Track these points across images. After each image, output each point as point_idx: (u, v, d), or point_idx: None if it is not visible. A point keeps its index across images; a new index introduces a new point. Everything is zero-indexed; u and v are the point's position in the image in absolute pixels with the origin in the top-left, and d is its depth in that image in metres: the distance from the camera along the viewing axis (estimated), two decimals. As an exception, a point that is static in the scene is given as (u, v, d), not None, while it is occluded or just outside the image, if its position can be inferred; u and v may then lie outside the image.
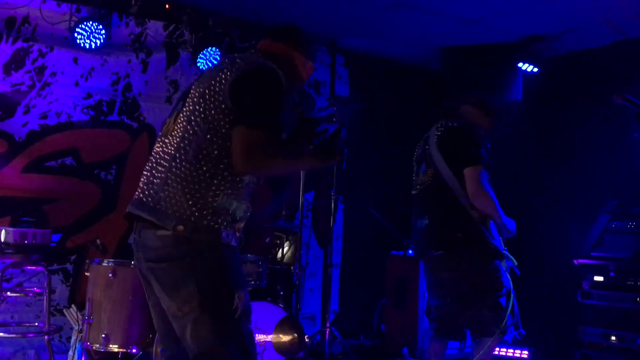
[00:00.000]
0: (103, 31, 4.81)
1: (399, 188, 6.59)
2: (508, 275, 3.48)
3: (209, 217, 2.18)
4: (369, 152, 6.31)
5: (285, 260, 4.89)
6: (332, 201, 5.05)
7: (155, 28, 5.27)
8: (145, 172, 2.33)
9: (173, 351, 2.41)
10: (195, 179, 2.18)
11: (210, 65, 5.27)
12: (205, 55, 5.22)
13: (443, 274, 3.56)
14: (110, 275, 3.77)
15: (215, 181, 2.19)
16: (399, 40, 5.92)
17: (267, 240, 4.93)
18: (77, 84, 4.98)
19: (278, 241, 4.98)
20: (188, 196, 2.17)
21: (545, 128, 5.82)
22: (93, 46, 4.82)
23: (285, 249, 4.94)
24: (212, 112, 2.21)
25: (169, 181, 2.20)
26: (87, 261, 3.99)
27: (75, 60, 4.96)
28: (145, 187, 2.28)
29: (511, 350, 5.07)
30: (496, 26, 5.32)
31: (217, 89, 2.23)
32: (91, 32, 4.79)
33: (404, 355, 5.23)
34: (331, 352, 5.03)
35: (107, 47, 4.93)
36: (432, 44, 5.94)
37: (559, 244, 5.24)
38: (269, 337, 3.66)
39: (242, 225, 2.34)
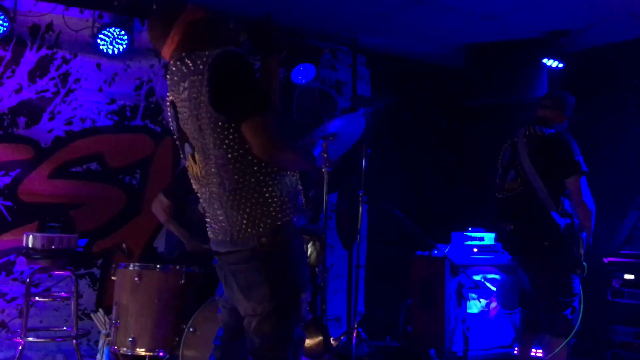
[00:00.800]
0: (125, 37, 4.86)
1: (423, 187, 6.58)
2: (579, 280, 3.79)
3: (279, 215, 2.27)
4: (392, 151, 6.27)
5: (310, 261, 4.87)
6: (356, 202, 5.03)
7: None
8: (207, 212, 2.42)
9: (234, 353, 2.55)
10: (251, 198, 2.25)
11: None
12: (227, 59, 5.23)
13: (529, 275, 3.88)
14: (136, 279, 3.78)
15: (262, 184, 2.26)
16: (421, 38, 5.87)
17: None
18: (100, 90, 5.03)
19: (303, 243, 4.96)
20: (253, 215, 2.26)
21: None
22: (116, 52, 4.87)
23: (310, 250, 4.92)
24: (215, 135, 2.23)
25: (230, 215, 2.29)
26: (113, 265, 4.01)
27: (98, 66, 5.01)
28: (215, 226, 2.38)
29: (540, 351, 4.99)
30: (519, 22, 5.25)
31: (201, 110, 2.23)
32: (114, 38, 4.84)
33: (431, 356, 5.17)
34: (358, 353, 5.00)
35: (129, 52, 4.97)
36: (454, 41, 5.88)
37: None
38: (295, 339, 3.65)
39: (300, 190, 2.39)
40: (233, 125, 2.21)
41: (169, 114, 2.50)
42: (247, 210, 2.26)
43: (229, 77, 2.23)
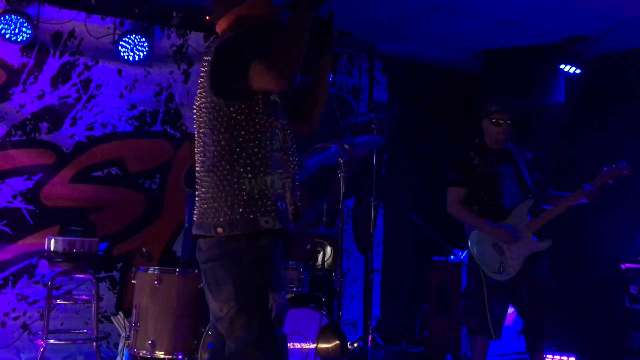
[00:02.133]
0: (146, 43, 4.93)
1: (439, 193, 6.56)
2: None
3: (240, 210, 2.24)
4: (409, 157, 6.29)
5: (326, 266, 4.90)
6: (372, 207, 5.05)
7: (196, 39, 5.36)
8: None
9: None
10: (219, 184, 2.26)
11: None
12: (245, 65, 5.28)
13: None
14: (155, 282, 3.83)
15: (235, 173, 2.25)
16: (437, 44, 5.89)
17: (308, 246, 4.95)
18: (121, 96, 5.11)
19: (319, 248, 4.99)
20: (218, 201, 2.26)
21: (589, 130, 5.71)
22: (136, 58, 4.95)
23: (327, 255, 4.95)
24: (208, 115, 2.29)
25: (202, 195, 2.32)
26: (133, 269, 4.07)
27: (119, 72, 5.09)
28: (196, 204, 2.39)
29: (557, 357, 4.98)
30: (536, 27, 5.25)
31: (204, 93, 2.31)
32: (134, 45, 4.91)
33: (448, 361, 5.18)
34: (374, 358, 5.01)
35: (149, 58, 5.05)
36: (471, 47, 5.89)
37: (605, 248, 5.13)
38: (312, 344, 3.67)
39: (289, 196, 2.36)
40: (224, 109, 2.26)
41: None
42: (214, 195, 2.27)
43: (225, 58, 2.26)
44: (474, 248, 3.92)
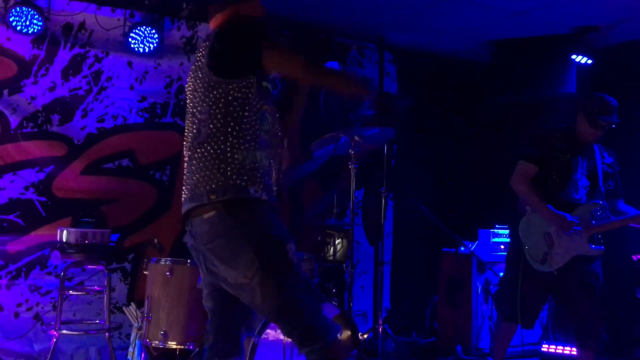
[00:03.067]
0: (156, 35, 4.94)
1: (449, 184, 6.56)
2: None
3: (234, 177, 2.35)
4: (419, 148, 6.27)
5: (336, 258, 4.91)
6: (382, 198, 5.05)
7: (206, 30, 5.27)
8: (184, 175, 2.53)
9: (222, 344, 2.56)
10: (213, 153, 2.37)
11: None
12: (254, 56, 5.29)
13: None
14: (167, 273, 3.85)
15: (228, 144, 2.36)
16: (447, 35, 5.86)
17: (319, 238, 4.96)
18: (132, 88, 5.12)
19: (329, 239, 4.99)
20: (211, 169, 2.36)
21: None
22: (147, 50, 4.96)
23: (337, 246, 4.95)
24: (205, 93, 2.40)
25: (193, 168, 2.41)
26: (145, 260, 4.08)
27: (129, 64, 5.10)
28: (184, 185, 2.49)
29: (568, 348, 4.98)
30: (547, 17, 5.21)
31: (199, 72, 2.43)
32: (145, 37, 4.92)
33: (458, 353, 5.18)
34: (384, 349, 5.02)
35: (160, 50, 5.06)
36: (481, 38, 5.86)
37: (616, 239, 5.11)
38: (323, 334, 3.68)
39: (274, 176, 2.49)
40: (223, 86, 2.37)
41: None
42: (207, 163, 2.37)
43: (227, 39, 2.41)
44: (524, 231, 3.82)
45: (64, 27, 4.88)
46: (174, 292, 3.84)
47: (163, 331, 3.78)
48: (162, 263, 3.93)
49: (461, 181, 6.37)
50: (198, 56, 2.48)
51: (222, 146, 2.36)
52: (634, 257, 4.88)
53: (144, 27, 4.90)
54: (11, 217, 4.72)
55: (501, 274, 5.09)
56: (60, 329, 4.18)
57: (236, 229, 2.32)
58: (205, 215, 2.35)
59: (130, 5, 5.00)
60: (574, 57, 5.45)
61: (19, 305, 4.70)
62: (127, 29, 4.94)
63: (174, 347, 3.81)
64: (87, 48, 4.95)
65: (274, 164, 2.50)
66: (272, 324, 3.44)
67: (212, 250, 2.37)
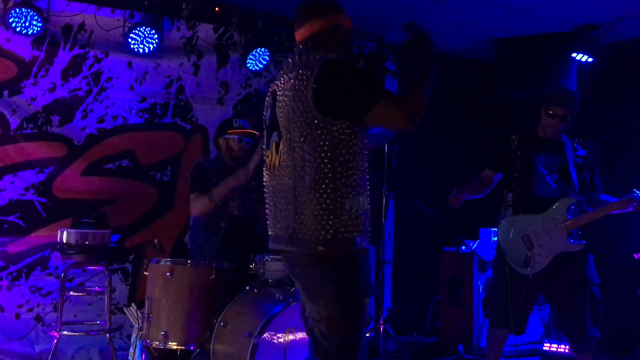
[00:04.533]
0: (156, 35, 4.92)
1: (451, 183, 6.53)
2: None
3: (341, 230, 2.32)
4: (420, 146, 6.26)
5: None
6: (383, 198, 5.04)
7: (205, 31, 5.35)
8: (268, 207, 2.53)
9: None
10: (322, 201, 2.31)
11: (259, 65, 5.34)
12: (255, 56, 5.29)
13: None
14: (168, 274, 3.83)
15: (338, 192, 2.31)
16: (449, 33, 5.85)
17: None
18: (132, 88, 5.11)
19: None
20: (319, 218, 2.31)
21: (601, 118, 5.67)
22: (146, 50, 4.95)
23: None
24: (308, 130, 2.32)
25: (298, 210, 2.35)
26: (146, 260, 4.07)
27: (129, 64, 5.09)
28: (275, 222, 2.48)
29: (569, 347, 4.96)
30: (548, 15, 5.20)
31: (299, 104, 2.32)
32: (144, 37, 4.91)
33: (460, 352, 5.18)
34: (385, 349, 5.02)
35: (159, 51, 5.04)
36: (483, 36, 5.85)
37: (617, 238, 5.10)
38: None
39: (368, 213, 2.44)
40: (328, 126, 2.30)
41: (266, 102, 2.63)
42: (315, 212, 2.32)
43: (336, 78, 2.31)
44: (502, 237, 3.83)
45: (64, 28, 4.86)
46: (174, 292, 3.82)
47: (164, 332, 3.77)
48: (163, 264, 3.92)
49: (462, 180, 6.35)
50: (297, 84, 2.34)
51: (332, 195, 2.30)
52: (636, 256, 4.87)
53: (144, 27, 4.89)
54: (11, 218, 4.72)
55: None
56: (61, 329, 4.18)
57: (327, 267, 2.35)
58: (305, 258, 2.38)
59: (129, 6, 4.99)
60: (574, 55, 5.44)
61: (20, 306, 4.70)
62: (126, 29, 4.93)
63: (175, 347, 3.79)
64: (87, 49, 4.94)
65: (369, 203, 2.47)
66: (272, 325, 3.44)
67: (301, 275, 2.45)
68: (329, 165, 2.30)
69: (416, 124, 2.35)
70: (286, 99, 2.39)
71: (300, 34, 2.56)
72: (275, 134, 2.47)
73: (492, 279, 4.03)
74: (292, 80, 2.37)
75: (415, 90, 2.36)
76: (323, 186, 2.30)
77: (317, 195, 2.30)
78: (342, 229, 2.31)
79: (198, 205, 4.11)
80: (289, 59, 2.52)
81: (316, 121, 2.30)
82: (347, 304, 2.35)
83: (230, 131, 4.25)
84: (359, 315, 2.38)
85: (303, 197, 2.33)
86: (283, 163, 2.41)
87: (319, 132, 2.30)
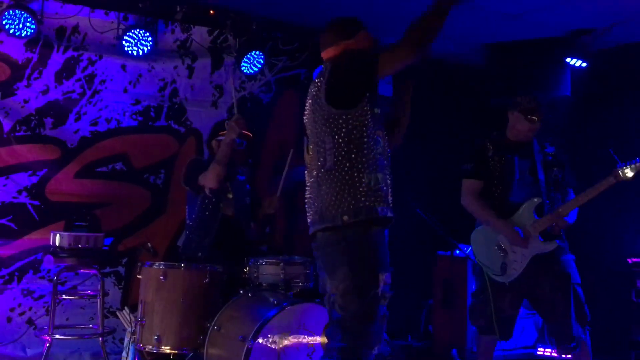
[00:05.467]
0: (150, 38, 4.91)
1: (444, 187, 6.54)
2: None
3: (363, 199, 2.63)
4: (414, 150, 6.25)
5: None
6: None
7: (200, 33, 5.34)
8: (307, 202, 2.81)
9: None
10: (342, 178, 2.64)
11: (254, 69, 5.34)
12: (249, 59, 5.29)
13: None
14: (161, 277, 3.82)
15: (355, 169, 2.64)
16: (442, 38, 5.76)
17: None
18: (125, 91, 5.10)
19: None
20: (342, 193, 2.64)
21: (595, 123, 5.69)
22: (140, 53, 4.93)
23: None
24: (326, 125, 2.69)
25: (322, 193, 2.68)
26: (139, 264, 4.05)
27: (123, 67, 5.08)
28: (309, 210, 2.78)
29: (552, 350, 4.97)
30: (542, 21, 5.22)
31: (317, 106, 2.72)
32: (138, 40, 4.90)
33: (453, 356, 5.18)
34: (379, 352, 5.01)
35: (154, 53, 5.03)
36: (476, 41, 5.86)
37: (611, 243, 5.12)
38: (318, 339, 3.67)
39: (390, 193, 2.77)
40: (343, 117, 2.65)
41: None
42: (337, 188, 2.63)
43: (341, 72, 2.70)
44: (476, 248, 3.86)
45: (58, 30, 4.84)
46: (167, 296, 3.81)
47: (157, 335, 3.75)
48: (156, 267, 3.90)
49: (456, 184, 6.36)
50: (314, 91, 2.75)
51: (349, 172, 2.63)
52: (629, 260, 4.89)
53: (138, 30, 4.87)
54: (3, 221, 4.69)
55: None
56: (53, 333, 4.16)
57: (344, 241, 2.63)
58: (330, 233, 2.66)
59: (123, 8, 4.97)
60: (568, 60, 5.46)
61: (12, 309, 4.67)
62: (120, 32, 4.92)
63: (168, 351, 3.78)
64: (81, 51, 4.92)
65: (389, 182, 2.77)
66: (266, 329, 3.43)
67: (318, 256, 2.74)
68: (345, 149, 2.64)
69: (424, 49, 2.60)
70: (307, 105, 2.80)
71: (324, 55, 2.91)
72: (305, 138, 2.86)
73: (476, 286, 4.00)
74: (311, 89, 2.79)
75: (417, 22, 2.62)
76: (341, 166, 2.64)
77: (337, 174, 2.64)
78: (362, 198, 2.61)
79: (212, 174, 4.05)
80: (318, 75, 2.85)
81: (332, 115, 2.66)
82: (360, 277, 2.60)
83: (222, 133, 4.25)
84: (372, 288, 2.61)
85: (326, 179, 2.67)
86: (312, 159, 2.76)
87: (335, 123, 2.66)
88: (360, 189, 2.63)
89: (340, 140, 2.65)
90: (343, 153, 2.65)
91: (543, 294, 3.71)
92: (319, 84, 2.73)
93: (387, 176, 2.77)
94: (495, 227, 3.78)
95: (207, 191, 4.13)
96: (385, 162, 2.76)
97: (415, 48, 2.60)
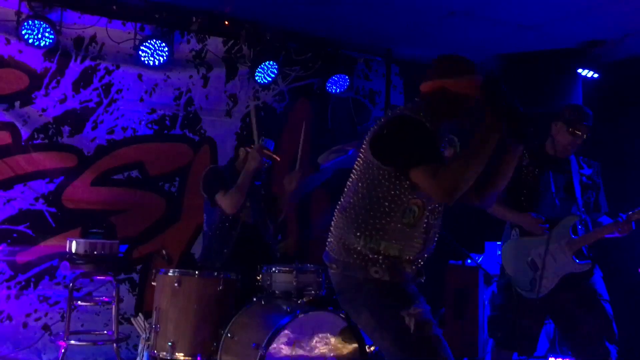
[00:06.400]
0: (166, 48, 4.98)
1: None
2: None
3: (354, 256, 2.46)
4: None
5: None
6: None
7: (215, 44, 5.41)
8: None
9: None
10: (343, 226, 2.50)
11: (267, 79, 5.39)
12: (263, 69, 5.35)
13: None
14: (175, 284, 3.85)
15: (356, 224, 2.46)
16: (455, 49, 5.77)
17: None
18: (141, 100, 5.17)
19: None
20: (338, 239, 2.52)
21: (606, 134, 5.68)
22: (157, 63, 5.01)
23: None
24: (362, 166, 2.50)
25: (332, 229, 2.58)
26: (154, 271, 4.09)
27: (139, 77, 5.15)
28: None
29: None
30: (555, 32, 5.24)
31: (364, 147, 2.51)
32: (155, 50, 4.97)
33: (465, 365, 5.18)
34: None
35: (169, 63, 5.10)
36: (488, 51, 5.87)
37: (623, 251, 5.10)
38: (331, 347, 3.69)
39: (407, 266, 2.51)
40: (373, 168, 2.43)
41: None
42: (337, 233, 2.53)
43: (392, 129, 2.44)
44: (507, 261, 3.73)
45: (75, 40, 4.93)
46: (182, 303, 3.84)
47: (171, 342, 3.78)
48: (170, 274, 3.93)
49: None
50: (371, 130, 2.53)
51: (350, 224, 2.47)
52: (641, 270, 4.87)
53: (154, 40, 4.95)
54: (21, 227, 4.76)
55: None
56: (68, 339, 4.21)
57: (351, 290, 2.51)
58: (332, 273, 2.58)
59: (140, 19, 5.05)
60: (580, 71, 5.47)
61: (28, 315, 4.74)
62: (137, 42, 5.00)
63: (182, 358, 3.80)
64: (98, 61, 5.01)
65: (407, 257, 2.49)
66: (279, 337, 3.46)
67: (340, 302, 2.62)
68: (361, 200, 2.46)
69: (453, 199, 2.30)
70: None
71: (421, 89, 2.64)
72: None
73: (499, 300, 3.90)
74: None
75: (460, 161, 2.31)
76: (348, 213, 2.49)
77: (342, 219, 2.51)
78: (354, 255, 2.45)
79: (230, 201, 4.07)
80: None
81: (368, 161, 2.45)
82: (381, 320, 2.44)
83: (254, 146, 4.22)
84: (399, 328, 2.39)
85: (336, 216, 2.56)
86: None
87: (368, 170, 2.45)
88: (354, 246, 2.45)
89: (361, 188, 2.47)
90: (356, 202, 2.46)
91: (568, 310, 3.60)
92: (377, 124, 2.53)
93: (408, 250, 2.48)
94: (512, 219, 3.70)
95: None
96: (411, 234, 2.47)
97: (446, 197, 2.30)
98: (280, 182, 4.48)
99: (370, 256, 2.43)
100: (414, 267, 2.53)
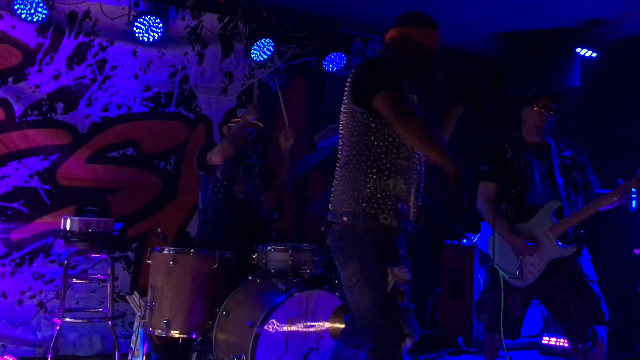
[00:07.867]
0: (160, 24, 4.92)
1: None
2: None
3: (364, 205, 2.55)
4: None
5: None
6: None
7: (210, 20, 5.34)
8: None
9: None
10: (348, 179, 2.59)
11: (263, 56, 5.35)
12: (259, 47, 5.29)
13: None
14: (170, 262, 3.86)
15: (362, 172, 2.56)
16: (453, 28, 5.83)
17: (322, 229, 4.97)
18: (136, 77, 5.11)
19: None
20: (346, 193, 2.59)
21: (604, 114, 5.67)
22: (151, 39, 4.94)
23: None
24: (347, 117, 2.62)
25: (336, 187, 2.67)
26: (149, 249, 4.09)
27: (134, 53, 5.09)
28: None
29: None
30: (553, 11, 5.19)
31: (346, 100, 2.63)
32: (149, 26, 4.90)
33: (459, 344, 5.22)
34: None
35: (164, 40, 5.04)
36: (486, 31, 5.83)
37: (618, 234, 5.12)
38: (326, 325, 3.71)
39: (411, 199, 2.65)
40: (358, 115, 2.56)
41: None
42: (343, 188, 2.60)
43: (363, 68, 2.61)
44: (493, 249, 3.74)
45: (69, 16, 4.86)
46: (177, 281, 3.85)
47: (166, 320, 3.80)
48: (166, 252, 3.94)
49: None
50: (348, 80, 2.63)
51: (356, 174, 2.56)
52: (636, 251, 4.89)
53: (149, 16, 4.88)
54: (15, 205, 4.73)
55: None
56: (63, 316, 4.20)
57: (351, 237, 2.59)
58: (336, 227, 2.67)
59: (135, -6, 4.99)
60: (578, 50, 5.43)
61: (23, 292, 4.73)
62: (131, 18, 4.92)
63: (177, 336, 3.83)
64: (92, 37, 4.94)
65: (412, 189, 2.65)
66: (274, 315, 3.47)
67: (334, 249, 2.69)
68: (357, 149, 2.57)
69: (405, 128, 2.45)
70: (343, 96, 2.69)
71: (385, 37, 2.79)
72: None
73: (485, 284, 3.95)
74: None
75: (422, 124, 2.44)
76: (350, 166, 2.58)
77: (345, 173, 2.60)
78: (363, 204, 2.54)
79: (218, 149, 4.15)
80: None
81: (351, 110, 2.58)
82: (368, 273, 2.53)
83: (234, 120, 4.31)
84: (381, 286, 2.50)
85: (338, 176, 2.64)
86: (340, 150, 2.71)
87: (352, 119, 2.58)
88: (364, 194, 2.54)
89: (354, 138, 2.58)
90: (354, 153, 2.57)
91: (555, 291, 3.63)
92: (354, 72, 2.62)
93: (410, 180, 2.62)
94: (504, 237, 3.68)
95: (218, 174, 4.20)
96: (409, 166, 2.62)
97: (398, 121, 2.46)
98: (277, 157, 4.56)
99: (381, 201, 2.53)
100: (415, 209, 2.67)
